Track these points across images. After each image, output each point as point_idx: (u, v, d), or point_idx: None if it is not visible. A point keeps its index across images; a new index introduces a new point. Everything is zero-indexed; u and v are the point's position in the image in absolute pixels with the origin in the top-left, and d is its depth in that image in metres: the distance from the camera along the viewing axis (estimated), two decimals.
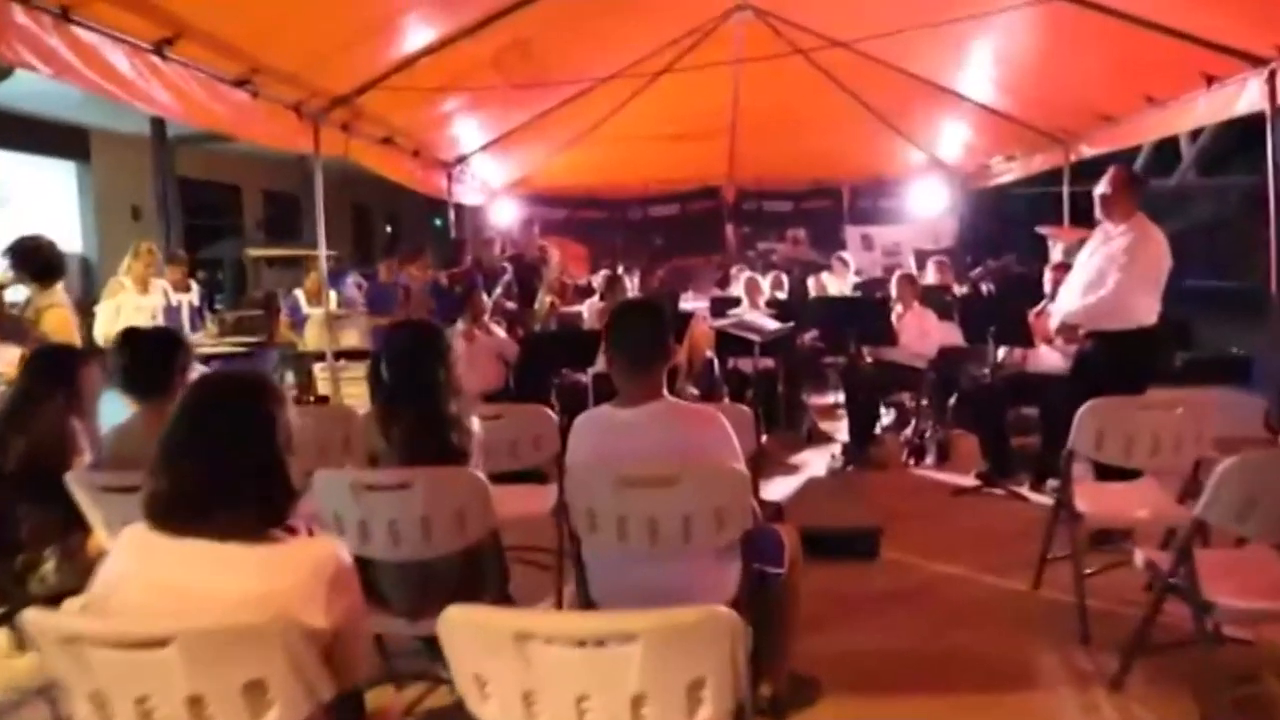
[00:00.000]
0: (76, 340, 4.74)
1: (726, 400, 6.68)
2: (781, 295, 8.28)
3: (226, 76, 5.05)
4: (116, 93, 4.34)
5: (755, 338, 5.76)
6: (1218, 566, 2.63)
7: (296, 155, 12.12)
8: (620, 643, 1.44)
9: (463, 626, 1.51)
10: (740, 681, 1.51)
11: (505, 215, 11.34)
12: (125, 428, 2.77)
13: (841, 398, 6.90)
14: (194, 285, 7.27)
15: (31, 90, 8.00)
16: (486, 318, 6.24)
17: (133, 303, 6.20)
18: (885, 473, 5.80)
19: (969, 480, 5.37)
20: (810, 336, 7.30)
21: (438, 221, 11.03)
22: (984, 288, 8.08)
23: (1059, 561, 3.54)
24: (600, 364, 6.29)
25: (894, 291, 6.71)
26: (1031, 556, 3.73)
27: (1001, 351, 5.51)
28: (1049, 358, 5.24)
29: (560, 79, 7.38)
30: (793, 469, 5.92)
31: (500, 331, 6.33)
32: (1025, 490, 5.10)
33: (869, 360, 6.41)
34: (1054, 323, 4.63)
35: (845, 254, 9.97)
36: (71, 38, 3.92)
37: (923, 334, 6.33)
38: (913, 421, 6.35)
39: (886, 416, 6.79)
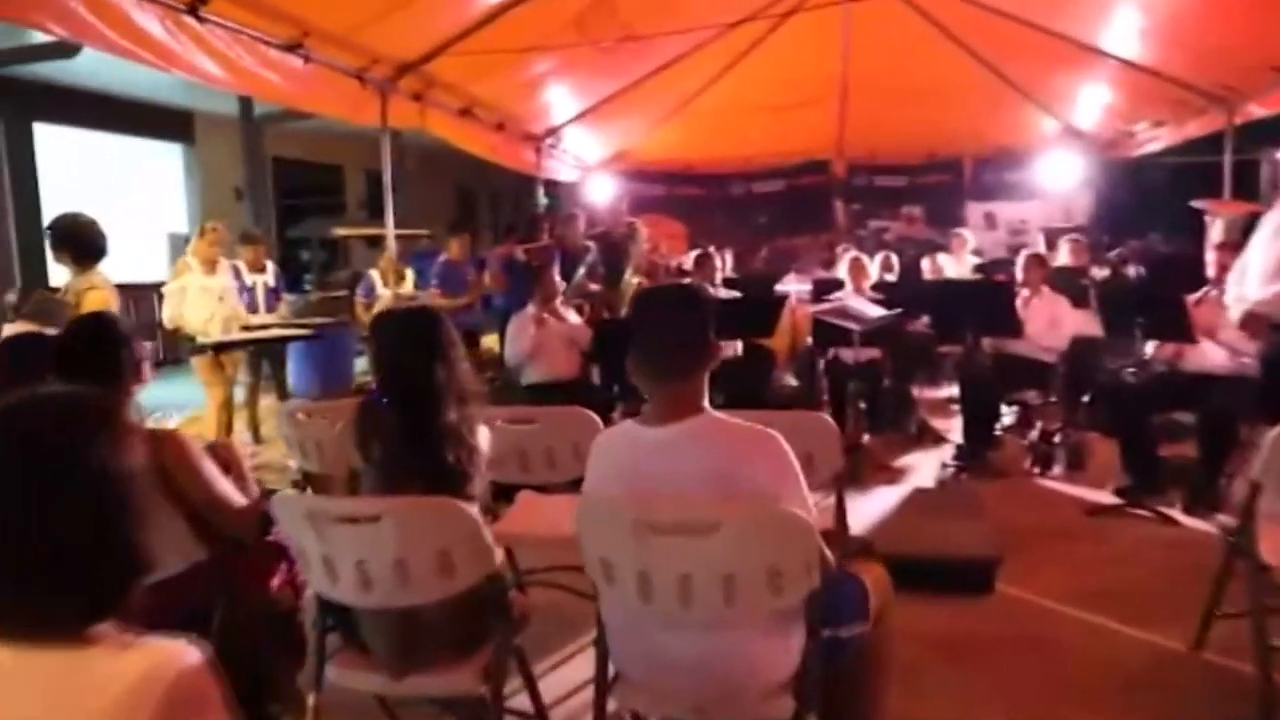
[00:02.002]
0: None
1: (826, 395, 6.06)
2: (891, 278, 7.51)
3: (275, 40, 4.69)
4: (149, 58, 4.00)
5: (854, 326, 5.07)
6: None
7: (394, 133, 12.08)
8: None
9: None
10: None
11: (601, 192, 10.86)
12: None
13: (957, 390, 6.13)
14: (270, 265, 7.06)
15: (140, 75, 8.00)
16: (560, 300, 5.76)
17: (199, 284, 5.98)
18: (1005, 482, 5.03)
19: (1106, 496, 4.56)
20: (922, 323, 6.55)
21: (544, 201, 10.72)
22: (1130, 270, 7.10)
23: (1232, 619, 2.79)
24: None
25: (1020, 274, 5.89)
26: (1190, 604, 2.98)
27: (1150, 345, 4.68)
28: (1212, 355, 4.38)
29: (650, 39, 6.79)
30: (895, 474, 5.22)
31: (573, 315, 5.84)
32: (1177, 513, 4.28)
33: (989, 352, 5.64)
34: (1234, 313, 3.78)
35: (964, 231, 9.08)
36: None
37: (1053, 322, 5.51)
38: (1038, 423, 5.55)
39: (1008, 416, 5.98)
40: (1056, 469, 5.20)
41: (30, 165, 9.83)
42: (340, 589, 2.02)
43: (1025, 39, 7.10)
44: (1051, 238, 8.41)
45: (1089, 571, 3.72)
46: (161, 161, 12.03)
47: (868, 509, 4.22)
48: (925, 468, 5.33)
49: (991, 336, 5.57)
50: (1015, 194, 11.18)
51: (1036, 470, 5.22)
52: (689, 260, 7.64)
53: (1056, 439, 5.34)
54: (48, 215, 10.18)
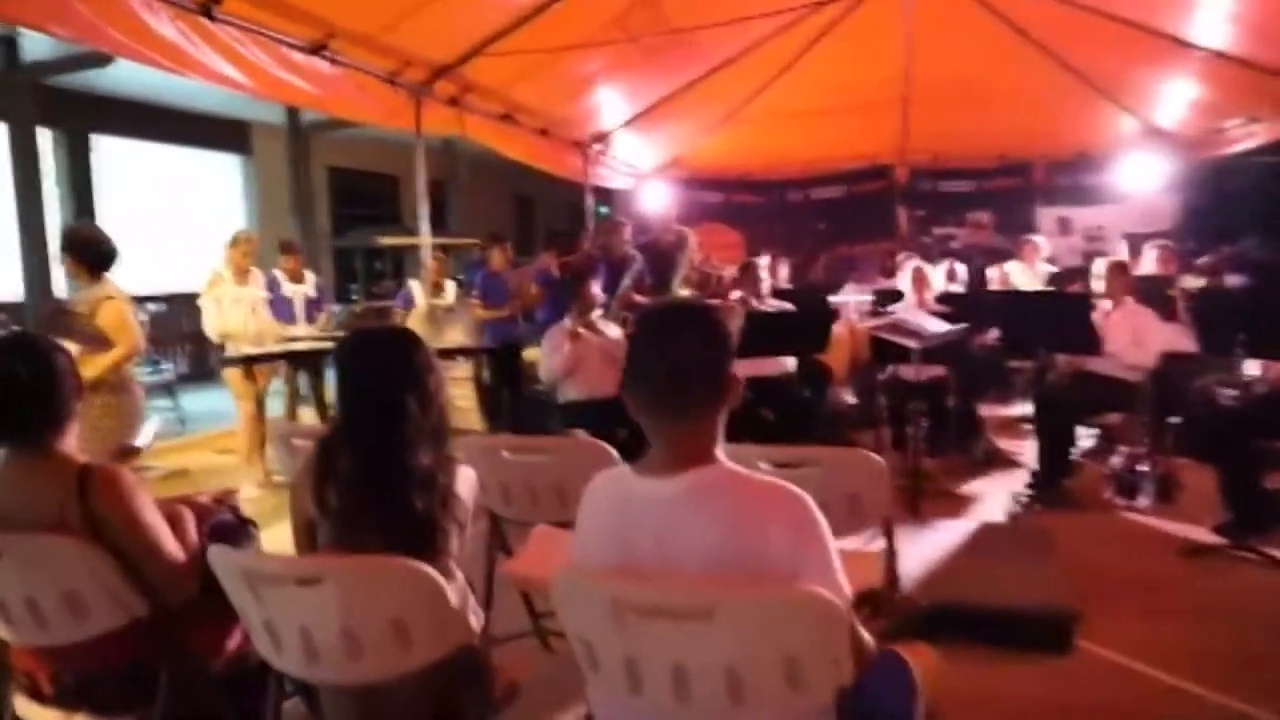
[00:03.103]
0: (138, 337, 4.31)
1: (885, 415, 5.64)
2: (956, 288, 7.03)
3: (297, 42, 4.49)
4: (161, 61, 3.82)
5: (911, 343, 4.64)
6: None
7: (443, 141, 11.95)
8: None
9: None
10: None
11: (655, 200, 10.54)
12: None
13: (1029, 409, 5.63)
14: (310, 276, 6.90)
15: (197, 87, 7.99)
16: (603, 313, 5.45)
17: (231, 294, 5.83)
18: (1084, 516, 4.55)
19: (1203, 534, 4.05)
20: (990, 337, 6.08)
21: (603, 210, 10.48)
22: (1231, 280, 6.47)
23: None
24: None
25: (1099, 284, 5.38)
26: None
27: (1253, 365, 4.16)
28: None
29: (698, 39, 6.46)
30: (959, 505, 4.78)
31: (613, 329, 5.51)
32: None
33: (1064, 370, 5.16)
34: None
35: (1037, 237, 8.52)
36: None
37: (1137, 338, 5.00)
38: (1122, 448, 5.04)
39: (1087, 439, 5.47)
40: (1142, 501, 4.68)
41: (86, 177, 9.90)
42: (285, 659, 1.72)
43: (1102, 32, 6.59)
44: (1135, 244, 7.82)
45: (1186, 626, 3.25)
46: (220, 172, 12.09)
47: (926, 547, 3.79)
48: (993, 497, 4.86)
49: (1067, 353, 5.09)
50: (1091, 198, 10.55)
51: (1120, 502, 4.72)
52: (735, 271, 7.26)
53: (1142, 467, 4.82)
54: (105, 228, 10.36)
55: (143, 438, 2.72)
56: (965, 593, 3.24)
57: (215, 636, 2.08)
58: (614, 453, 2.64)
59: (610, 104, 7.98)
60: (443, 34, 5.23)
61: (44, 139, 9.53)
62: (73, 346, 4.08)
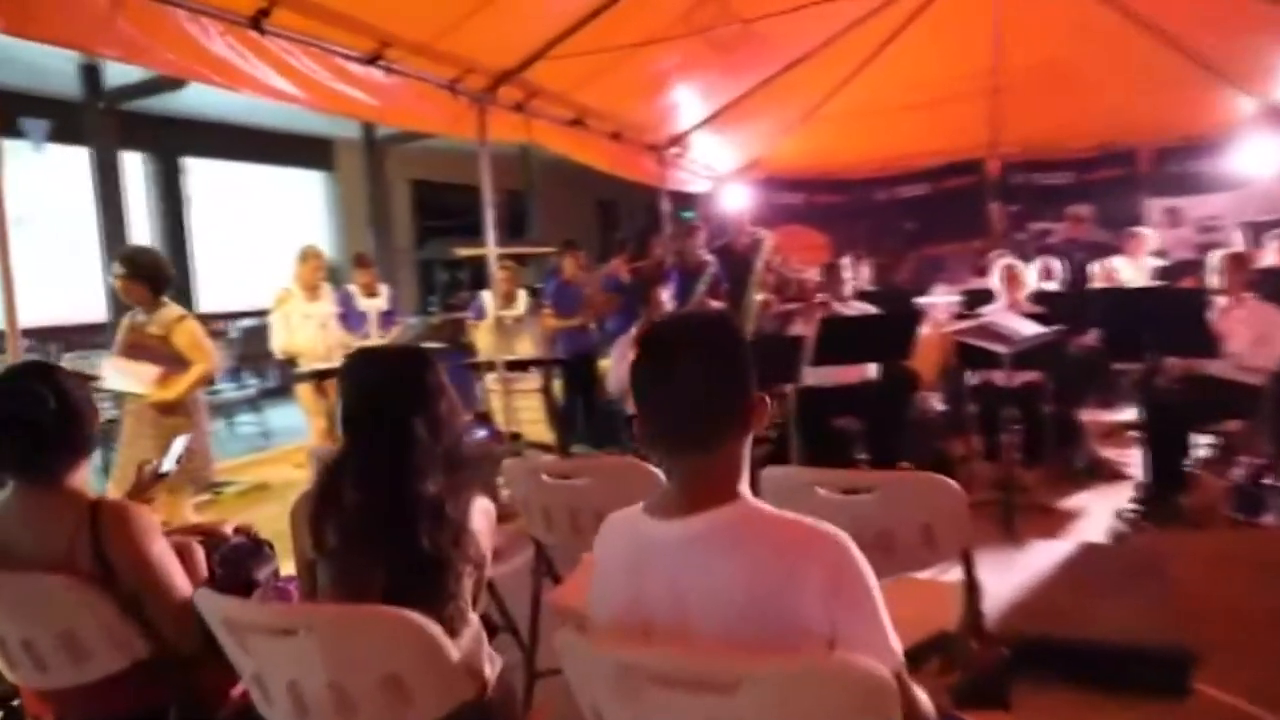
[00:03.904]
0: (214, 356, 4.32)
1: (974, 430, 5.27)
2: (1053, 286, 6.57)
3: (351, 53, 4.42)
4: (212, 77, 3.80)
5: (999, 348, 4.27)
6: None
7: (519, 149, 11.96)
8: None
9: None
10: None
11: (735, 202, 10.27)
12: None
13: (1137, 414, 5.17)
14: (384, 289, 6.90)
15: (280, 107, 8.20)
16: None
17: (300, 311, 5.84)
18: (1200, 536, 4.11)
19: None
20: (1091, 337, 5.63)
21: (687, 214, 10.31)
22: None
23: None
24: (809, 374, 5.15)
25: (1214, 278, 4.91)
26: None
27: None
28: None
29: (766, 29, 6.20)
30: (1058, 522, 4.39)
31: None
32: None
33: (1176, 372, 4.71)
34: None
35: (1143, 229, 7.94)
36: (138, 13, 3.38)
37: (1261, 336, 4.53)
38: (1242, 459, 4.56)
39: (1203, 449, 4.99)
40: (1268, 518, 4.21)
41: (178, 198, 10.22)
42: (275, 713, 1.56)
43: (1213, 5, 6.07)
44: (1254, 234, 7.20)
45: None
46: (304, 189, 12.37)
47: (1019, 571, 3.46)
48: (1096, 513, 4.46)
49: (1178, 354, 4.64)
50: (1204, 186, 9.80)
51: (1241, 519, 4.26)
52: (818, 273, 6.95)
53: (1267, 480, 4.35)
54: (195, 247, 10.69)
55: (168, 462, 2.64)
56: (1062, 625, 2.92)
57: (221, 682, 1.95)
58: (661, 475, 2.43)
59: (684, 105, 7.77)
60: (502, 39, 5.11)
61: (135, 163, 9.90)
62: (154, 369, 4.13)
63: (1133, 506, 4.40)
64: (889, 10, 6.77)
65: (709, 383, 1.32)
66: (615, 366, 5.08)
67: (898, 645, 1.26)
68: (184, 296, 10.25)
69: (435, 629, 1.46)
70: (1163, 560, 3.53)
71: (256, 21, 3.81)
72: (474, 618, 1.78)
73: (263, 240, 11.09)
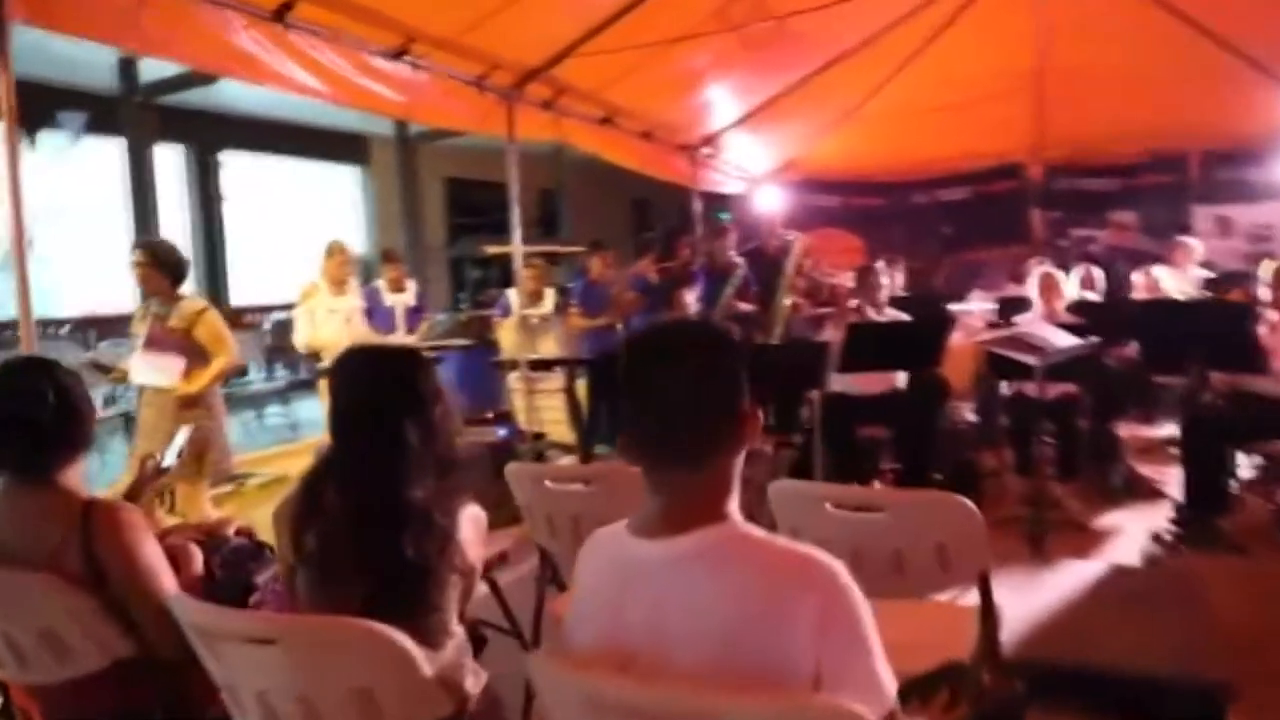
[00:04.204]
0: (235, 349, 4.31)
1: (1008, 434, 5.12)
2: (1093, 296, 6.37)
3: (377, 47, 4.39)
4: (236, 70, 3.79)
5: (1030, 359, 4.11)
6: None
7: (551, 147, 11.92)
8: None
9: None
10: None
11: (770, 204, 10.14)
12: None
13: (1177, 429, 4.99)
14: (411, 285, 6.89)
15: (317, 101, 8.26)
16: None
17: (325, 306, 5.84)
18: (1241, 561, 3.92)
19: None
20: (1131, 349, 5.45)
21: (723, 216, 10.22)
22: None
23: None
24: (835, 381, 5.03)
25: (1264, 290, 4.71)
26: None
27: None
28: None
29: (802, 27, 6.08)
30: (1090, 540, 4.23)
31: None
32: None
33: (1221, 388, 4.53)
34: None
35: (1190, 239, 7.70)
36: (162, 6, 3.36)
37: None
38: None
39: (1247, 469, 4.80)
40: None
41: (213, 191, 10.33)
42: None
43: (1268, 4, 5.84)
44: None
45: None
46: (339, 184, 12.46)
47: (1046, 592, 3.32)
48: (1131, 533, 4.28)
49: (1223, 369, 4.46)
50: (1256, 194, 9.48)
51: None
52: (851, 277, 6.79)
53: None
54: (229, 239, 10.80)
55: (170, 455, 2.60)
56: (1088, 652, 2.79)
57: (210, 685, 1.90)
58: None
59: (717, 104, 7.67)
60: (530, 35, 5.05)
61: (174, 155, 10.02)
62: (180, 361, 4.12)
63: (1170, 528, 4.22)
64: (930, 10, 6.62)
65: (696, 394, 1.23)
66: None
67: (891, 686, 1.16)
68: (217, 289, 10.37)
69: (408, 643, 1.39)
70: (1199, 586, 3.37)
71: (280, 15, 3.80)
72: (458, 630, 1.72)
73: (296, 234, 11.18)
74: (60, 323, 8.84)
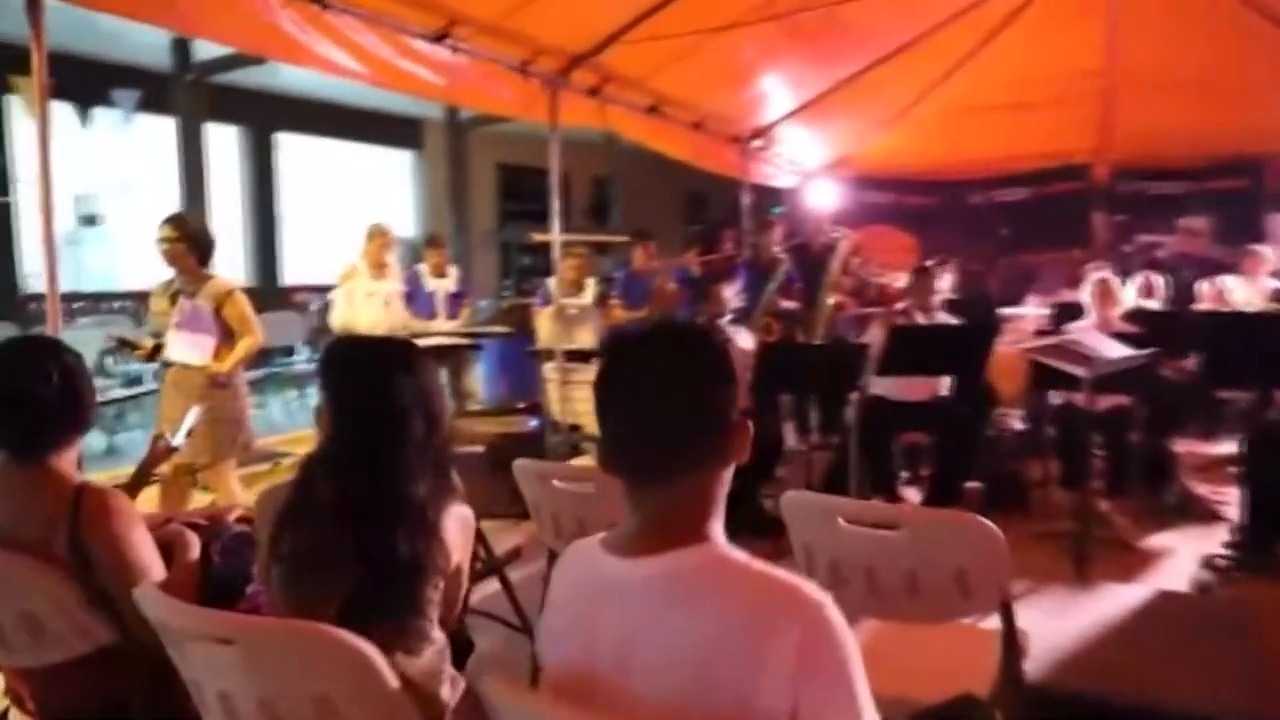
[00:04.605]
0: (259, 333, 4.28)
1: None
2: (1153, 304, 6.09)
3: (418, 30, 4.34)
4: (274, 51, 3.80)
5: (1077, 370, 3.91)
6: None
7: (604, 136, 11.85)
8: None
9: None
10: None
11: (822, 200, 9.92)
12: None
13: (1237, 447, 4.72)
14: (453, 270, 6.87)
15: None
16: (729, 319, 5.05)
17: (364, 289, 5.84)
18: None
19: None
20: (1191, 362, 5.19)
21: (778, 209, 10.06)
22: None
23: None
24: (876, 384, 4.87)
25: None
26: None
27: None
28: None
29: (851, 18, 5.91)
30: (1138, 563, 4.01)
31: (743, 338, 5.09)
32: None
33: None
34: None
35: (1263, 248, 7.33)
36: None
37: None
38: None
39: None
40: None
41: (269, 173, 10.45)
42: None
43: None
44: None
45: None
46: (393, 168, 12.53)
47: (1085, 617, 3.14)
48: (1182, 556, 4.06)
49: None
50: None
51: None
52: (902, 278, 6.57)
53: None
54: (284, 221, 10.92)
55: (179, 436, 2.58)
56: (1124, 686, 2.62)
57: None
58: None
59: (769, 97, 7.52)
60: (574, 20, 4.97)
61: (230, 136, 10.15)
62: (212, 340, 4.13)
63: (1225, 552, 3.99)
64: (987, 6, 6.40)
65: (675, 402, 1.13)
66: None
67: None
68: (271, 268, 10.50)
69: (370, 651, 1.32)
70: (1253, 618, 3.17)
71: None
72: (439, 636, 1.65)
73: (349, 216, 11.27)
74: (118, 296, 9.03)
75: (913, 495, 4.96)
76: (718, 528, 1.16)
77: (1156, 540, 4.32)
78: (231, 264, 10.32)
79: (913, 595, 1.85)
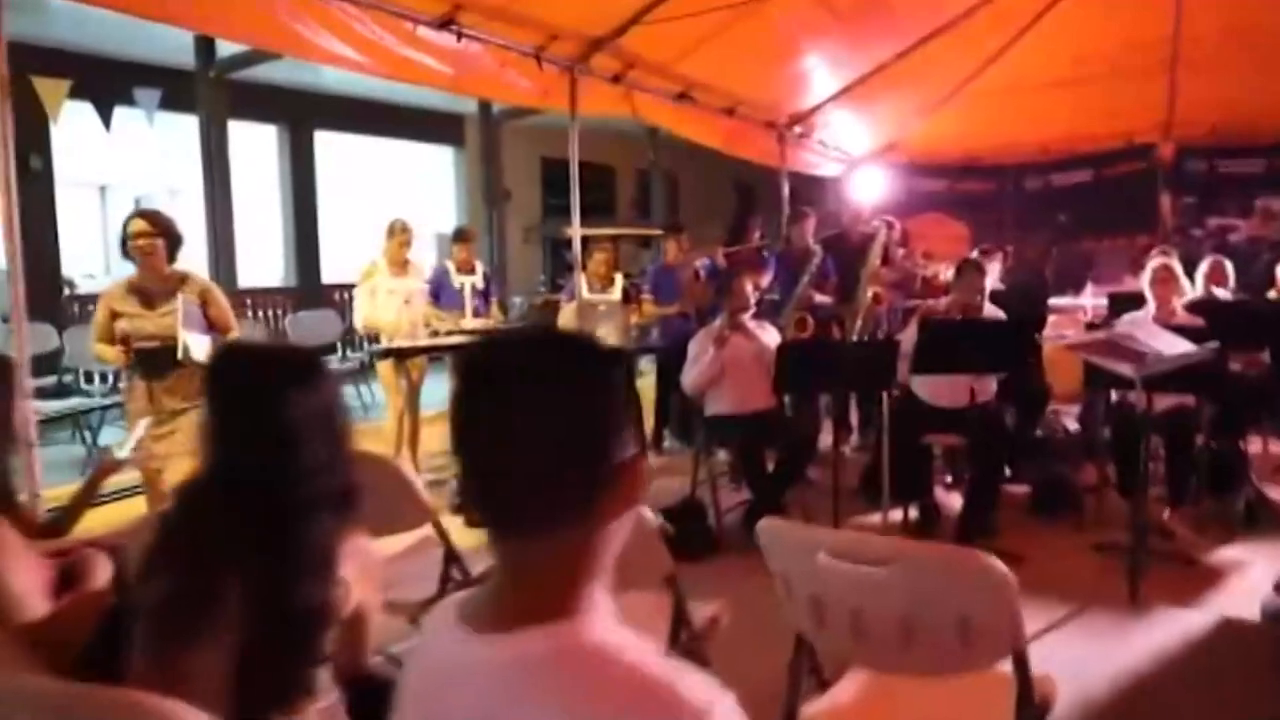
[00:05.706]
0: (237, 330, 4.12)
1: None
2: (1222, 293, 5.62)
3: (421, 16, 4.15)
4: (272, 42, 3.65)
5: (1126, 369, 3.52)
6: None
7: (645, 128, 11.60)
8: None
9: None
10: None
11: (872, 188, 9.51)
12: None
13: None
14: (480, 266, 6.69)
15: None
16: (750, 314, 4.79)
17: (386, 285, 5.69)
18: None
19: None
20: (1263, 356, 4.77)
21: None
22: None
23: None
24: (913, 383, 4.56)
25: None
26: None
27: None
28: None
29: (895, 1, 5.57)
30: (1200, 582, 3.62)
31: (769, 334, 4.81)
32: None
33: None
34: None
35: None
36: None
37: None
38: None
39: None
40: None
41: (309, 169, 10.42)
42: None
43: None
44: None
45: None
46: (435, 165, 12.45)
47: (1136, 647, 2.81)
48: (1252, 576, 3.64)
49: None
50: None
51: None
52: (948, 269, 6.17)
53: None
54: (323, 218, 10.89)
55: (125, 449, 2.41)
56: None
57: None
58: (651, 520, 1.99)
59: (808, 79, 7.18)
60: (590, 2, 4.73)
61: (269, 134, 10.14)
62: (208, 339, 3.98)
63: None
64: None
65: (538, 433, 0.88)
66: (694, 360, 4.67)
67: None
68: (312, 267, 10.48)
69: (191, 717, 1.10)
70: None
71: None
72: (331, 690, 1.43)
73: (390, 214, 11.21)
74: None
75: (955, 500, 4.63)
76: (596, 598, 0.91)
77: (1223, 555, 3.93)
78: (270, 262, 10.35)
79: (907, 643, 1.58)
